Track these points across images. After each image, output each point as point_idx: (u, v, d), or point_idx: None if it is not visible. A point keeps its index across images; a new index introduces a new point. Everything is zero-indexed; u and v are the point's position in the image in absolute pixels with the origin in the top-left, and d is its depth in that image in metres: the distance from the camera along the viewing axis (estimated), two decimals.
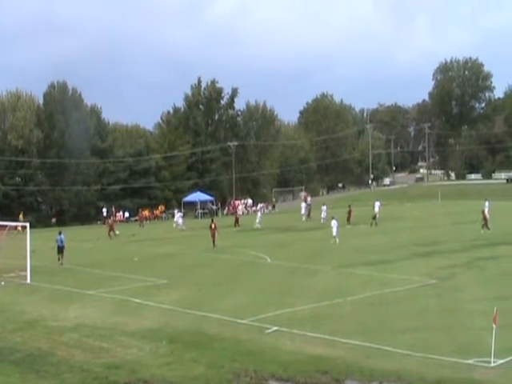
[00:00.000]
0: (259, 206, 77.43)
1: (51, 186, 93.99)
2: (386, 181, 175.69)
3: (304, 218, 76.60)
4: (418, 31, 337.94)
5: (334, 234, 49.71)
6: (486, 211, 58.95)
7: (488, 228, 52.73)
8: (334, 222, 50.40)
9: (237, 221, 70.25)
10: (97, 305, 28.61)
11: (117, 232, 63.75)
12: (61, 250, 43.18)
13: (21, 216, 79.39)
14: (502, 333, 18.91)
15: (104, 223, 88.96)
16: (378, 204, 72.38)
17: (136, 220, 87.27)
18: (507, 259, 38.10)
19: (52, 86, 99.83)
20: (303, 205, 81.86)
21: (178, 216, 74.90)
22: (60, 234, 44.21)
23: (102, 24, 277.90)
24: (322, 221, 66.71)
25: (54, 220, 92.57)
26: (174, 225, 71.92)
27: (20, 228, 51.13)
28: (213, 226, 51.03)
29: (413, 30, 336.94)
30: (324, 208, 69.76)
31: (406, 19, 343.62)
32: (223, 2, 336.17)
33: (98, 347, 21.09)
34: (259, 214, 74.03)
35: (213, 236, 50.45)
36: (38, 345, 21.63)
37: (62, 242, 43.41)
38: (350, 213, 64.77)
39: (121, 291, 31.47)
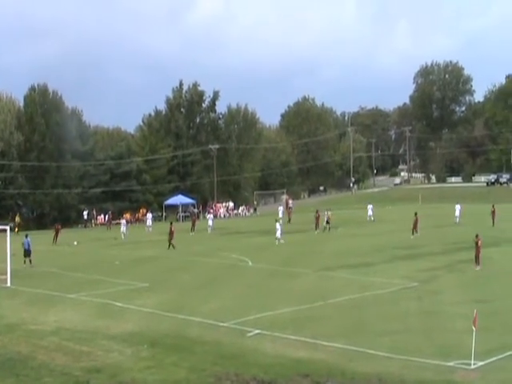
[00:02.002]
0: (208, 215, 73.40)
1: (32, 189, 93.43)
2: (397, 179, 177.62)
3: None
4: (400, 35, 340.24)
5: (278, 235, 52.14)
6: (458, 213, 60.72)
7: (416, 232, 54.03)
8: (278, 225, 52.67)
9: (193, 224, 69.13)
10: (78, 308, 28.45)
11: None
12: (28, 253, 42.94)
13: (17, 218, 79.75)
14: (481, 335, 19.05)
15: (85, 226, 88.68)
16: (370, 207, 73.18)
17: (117, 223, 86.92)
18: (488, 262, 38.33)
19: (32, 89, 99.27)
20: (280, 208, 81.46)
21: (149, 218, 75.73)
22: (26, 237, 43.94)
23: (83, 27, 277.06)
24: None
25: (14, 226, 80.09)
26: (146, 229, 72.21)
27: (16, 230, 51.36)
28: (172, 229, 52.40)
29: (394, 33, 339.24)
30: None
31: (388, 23, 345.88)
32: (205, 5, 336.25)
33: (78, 351, 20.98)
34: (210, 221, 69.84)
35: (171, 239, 51.81)
36: (17, 349, 21.47)
37: (28, 245, 43.15)
38: (317, 218, 63.03)
39: (102, 295, 31.32)
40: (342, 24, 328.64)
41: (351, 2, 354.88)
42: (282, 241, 52.34)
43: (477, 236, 36.32)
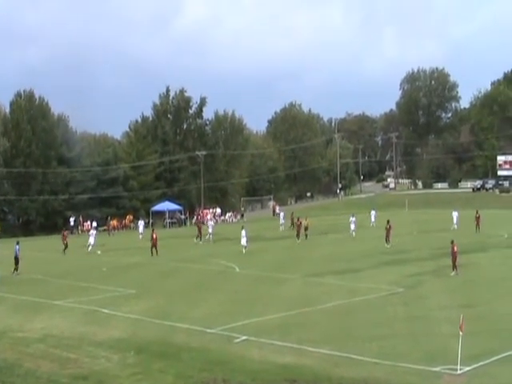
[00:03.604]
0: (209, 223, 68.89)
1: (18, 195, 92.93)
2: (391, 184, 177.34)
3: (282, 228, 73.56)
4: (387, 41, 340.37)
5: (243, 243, 51.80)
6: (455, 220, 60.08)
7: (388, 241, 52.02)
8: (243, 233, 52.36)
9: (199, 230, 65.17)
10: (64, 315, 28.35)
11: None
12: (16, 260, 42.74)
13: None
14: (468, 340, 19.12)
15: (71, 233, 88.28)
16: (373, 213, 72.48)
17: (104, 230, 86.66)
18: (474, 267, 38.55)
19: (19, 95, 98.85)
20: (281, 214, 78.65)
21: (141, 225, 75.19)
22: (17, 244, 43.70)
23: (70, 32, 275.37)
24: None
25: None
26: (140, 236, 71.49)
27: None
28: (154, 236, 52.28)
29: (382, 39, 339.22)
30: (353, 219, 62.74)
31: (376, 29, 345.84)
32: (192, 11, 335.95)
33: (65, 358, 20.91)
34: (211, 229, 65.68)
35: (155, 245, 51.57)
36: (4, 356, 21.38)
37: (16, 252, 42.93)
38: (299, 226, 61.23)
39: (89, 301, 31.23)
40: (329, 29, 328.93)
41: (339, 7, 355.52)
42: (245, 247, 51.93)
43: (452, 242, 36.48)
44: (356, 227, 62.26)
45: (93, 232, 61.21)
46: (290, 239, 61.19)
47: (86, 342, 22.99)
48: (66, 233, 61.77)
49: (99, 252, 55.72)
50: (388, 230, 52.26)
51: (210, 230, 64.17)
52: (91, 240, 58.48)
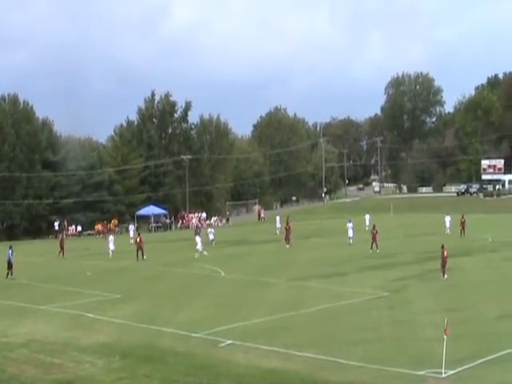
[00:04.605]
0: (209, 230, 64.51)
1: (2, 199, 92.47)
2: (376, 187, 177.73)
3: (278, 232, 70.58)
4: (373, 46, 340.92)
5: (198, 247, 51.81)
6: (448, 224, 59.96)
7: (376, 247, 50.85)
8: (197, 238, 52.48)
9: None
10: (49, 320, 28.23)
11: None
12: (9, 265, 42.53)
13: None
14: (452, 344, 19.20)
15: (56, 237, 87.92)
16: (367, 217, 72.12)
17: (89, 234, 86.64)
18: (458, 271, 38.71)
19: (3, 99, 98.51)
20: (278, 218, 74.74)
21: (131, 229, 74.71)
22: (10, 248, 43.49)
23: (56, 35, 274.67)
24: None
25: None
26: (131, 241, 71.02)
27: None
28: (138, 239, 52.54)
29: (368, 44, 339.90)
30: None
31: (362, 34, 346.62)
32: (180, 14, 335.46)
33: (49, 363, 20.81)
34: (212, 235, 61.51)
35: (140, 249, 51.54)
36: None
37: (9, 256, 42.76)
38: (287, 230, 59.64)
39: (74, 306, 31.10)
40: (315, 34, 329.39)
41: (325, 12, 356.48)
42: (205, 252, 51.51)
43: (442, 247, 36.51)
44: (354, 234, 57.65)
45: (111, 238, 57.74)
46: (276, 243, 61.19)
47: (70, 347, 22.89)
48: (63, 236, 61.67)
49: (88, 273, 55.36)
50: (374, 235, 51.40)
51: (212, 237, 60.55)
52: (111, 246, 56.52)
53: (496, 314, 26.45)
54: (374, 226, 53.03)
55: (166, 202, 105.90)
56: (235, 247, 61.29)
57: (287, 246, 57.94)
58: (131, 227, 76.59)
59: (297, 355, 20.84)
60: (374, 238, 51.36)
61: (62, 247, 57.51)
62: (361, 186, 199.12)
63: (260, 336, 23.60)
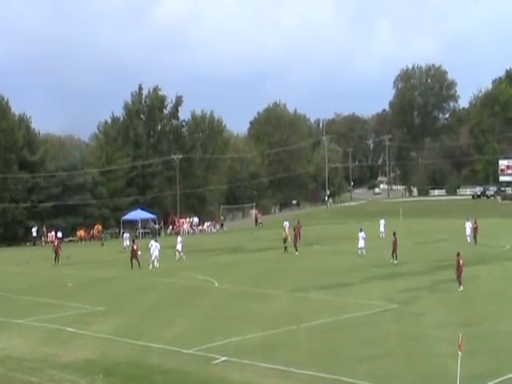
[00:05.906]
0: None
1: None
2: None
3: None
4: (380, 37, 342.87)
5: (179, 248, 56.38)
6: (469, 231, 59.63)
7: (395, 257, 49.58)
8: (179, 238, 57.28)
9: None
10: (26, 335, 28.21)
11: None
12: None
13: None
14: (467, 360, 19.18)
15: (34, 244, 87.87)
16: (382, 222, 71.32)
17: (71, 241, 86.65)
18: (473, 280, 38.65)
19: None
20: (286, 224, 73.46)
21: (126, 238, 74.66)
22: None
23: (33, 25, 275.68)
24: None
25: None
26: (126, 249, 70.92)
27: None
28: (135, 247, 52.48)
29: (374, 35, 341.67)
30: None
31: (368, 24, 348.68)
32: (170, 3, 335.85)
33: (26, 382, 20.80)
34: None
35: (135, 257, 51.48)
36: None
37: None
38: (296, 236, 60.15)
39: (53, 319, 31.07)
40: (318, 24, 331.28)
41: (328, 0, 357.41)
42: (182, 254, 56.18)
43: (458, 254, 36.37)
44: (365, 244, 54.86)
45: (153, 244, 54.30)
46: (274, 251, 61.19)
47: (48, 365, 22.87)
48: (57, 242, 61.77)
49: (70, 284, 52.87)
50: (395, 243, 49.76)
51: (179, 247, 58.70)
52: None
53: None
54: (394, 233, 50.95)
55: (155, 205, 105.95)
56: (230, 255, 61.29)
57: (296, 253, 57.75)
58: (126, 236, 76.19)
59: (297, 373, 20.83)
60: (394, 246, 49.65)
61: (56, 253, 57.85)
62: (377, 190, 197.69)
63: (257, 352, 23.60)
